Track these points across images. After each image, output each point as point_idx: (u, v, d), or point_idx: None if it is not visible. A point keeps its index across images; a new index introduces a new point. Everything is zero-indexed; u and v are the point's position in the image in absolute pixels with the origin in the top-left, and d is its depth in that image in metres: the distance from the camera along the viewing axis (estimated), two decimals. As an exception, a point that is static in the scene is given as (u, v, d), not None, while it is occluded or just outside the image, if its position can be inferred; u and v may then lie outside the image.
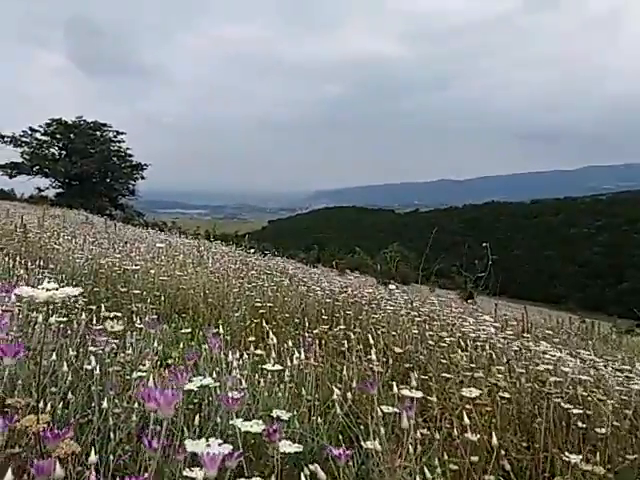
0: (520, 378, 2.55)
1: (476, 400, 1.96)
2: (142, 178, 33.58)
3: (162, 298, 3.91)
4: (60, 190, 31.95)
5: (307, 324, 3.64)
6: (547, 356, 2.95)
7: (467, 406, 1.86)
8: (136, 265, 4.35)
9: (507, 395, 2.05)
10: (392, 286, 6.17)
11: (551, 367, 2.68)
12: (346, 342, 2.51)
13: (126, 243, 6.52)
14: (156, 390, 0.89)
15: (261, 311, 3.87)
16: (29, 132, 32.32)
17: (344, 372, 2.23)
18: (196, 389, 1.54)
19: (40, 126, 32.34)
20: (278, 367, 1.77)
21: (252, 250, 9.04)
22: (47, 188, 32.18)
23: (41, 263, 4.51)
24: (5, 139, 31.74)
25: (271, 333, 2.07)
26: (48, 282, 1.07)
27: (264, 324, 3.22)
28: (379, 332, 3.33)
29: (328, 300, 4.30)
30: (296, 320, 3.77)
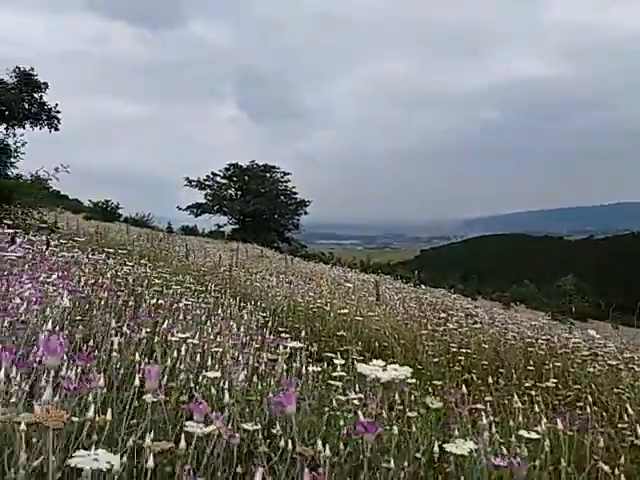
0: None
1: None
2: (305, 214, 36.24)
3: (358, 338, 4.07)
4: (236, 226, 35.77)
5: (513, 375, 3.47)
6: None
7: None
8: (342, 308, 4.62)
9: None
10: (592, 331, 5.60)
11: None
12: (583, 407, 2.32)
13: (310, 280, 6.98)
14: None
15: (459, 357, 3.79)
16: (211, 176, 37.08)
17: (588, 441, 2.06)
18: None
19: (220, 171, 37.00)
20: (534, 435, 1.71)
21: (422, 286, 9.01)
22: (225, 224, 36.40)
23: (241, 299, 5.05)
24: (192, 183, 36.82)
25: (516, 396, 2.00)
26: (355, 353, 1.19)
27: (470, 375, 3.15)
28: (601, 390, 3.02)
29: (530, 349, 4.03)
30: (500, 370, 3.61)
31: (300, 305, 5.06)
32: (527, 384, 3.15)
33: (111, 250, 5.17)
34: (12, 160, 7.94)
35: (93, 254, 5.06)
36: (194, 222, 36.83)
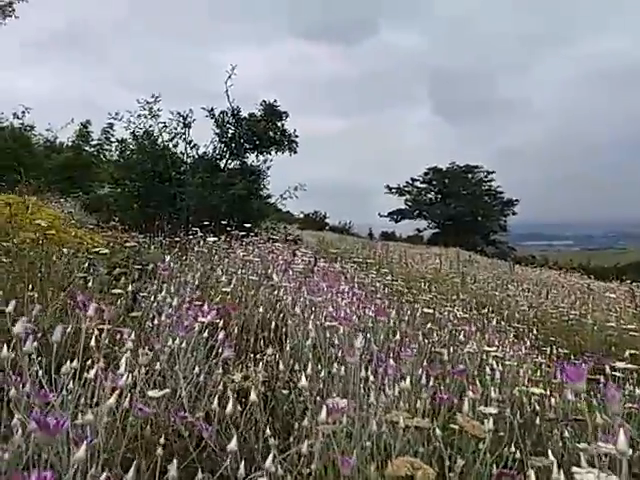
0: None
1: None
2: (513, 214, 34.01)
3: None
4: (436, 230, 35.43)
5: None
6: None
7: None
8: (606, 321, 4.25)
9: None
10: None
11: None
12: None
13: (548, 292, 6.53)
14: None
15: None
16: (410, 182, 37.52)
17: None
18: None
19: (419, 176, 37.17)
20: None
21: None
22: (425, 229, 36.37)
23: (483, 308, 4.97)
24: (392, 190, 37.77)
25: None
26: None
27: None
28: None
29: None
30: None
31: (552, 316, 4.78)
32: None
33: (359, 260, 5.68)
34: (264, 183, 9.38)
35: (342, 264, 5.65)
36: (392, 227, 37.65)
